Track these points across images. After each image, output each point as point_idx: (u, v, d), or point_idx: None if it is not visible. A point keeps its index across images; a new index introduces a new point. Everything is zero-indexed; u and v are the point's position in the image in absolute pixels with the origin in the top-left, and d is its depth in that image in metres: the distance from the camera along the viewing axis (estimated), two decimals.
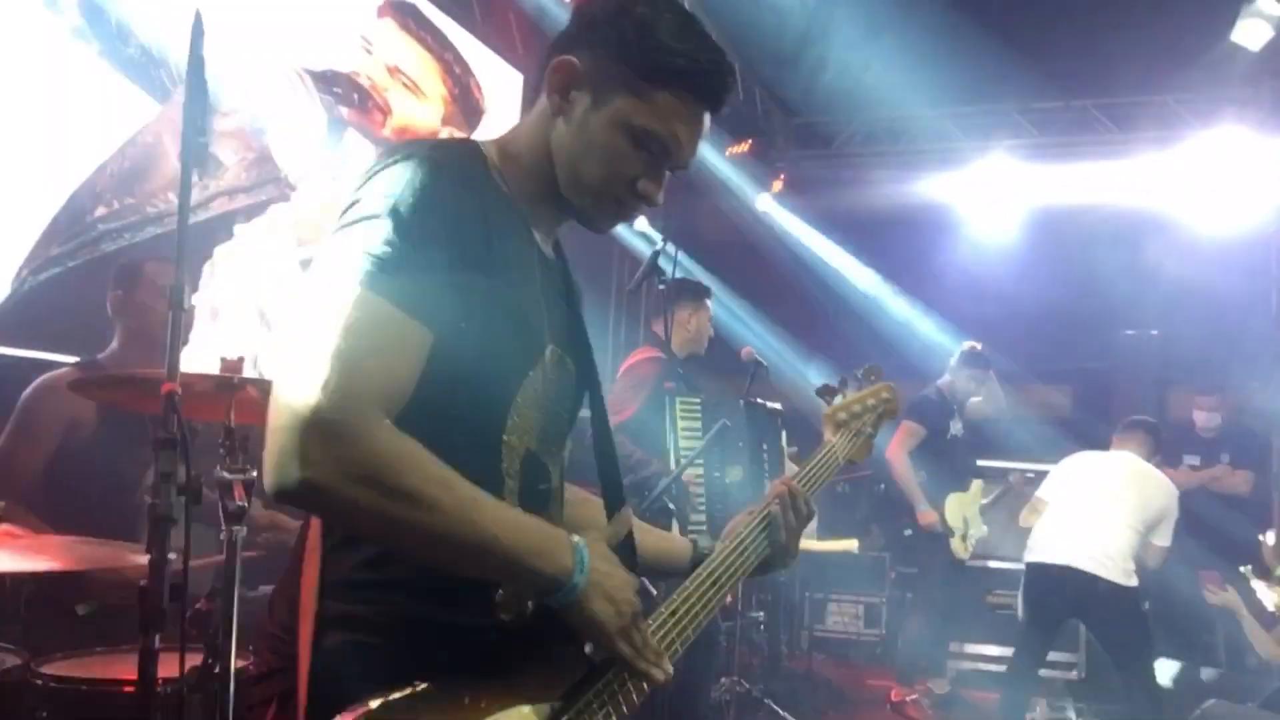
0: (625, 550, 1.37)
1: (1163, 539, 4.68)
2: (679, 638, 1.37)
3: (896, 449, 5.70)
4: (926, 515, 5.65)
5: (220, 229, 3.98)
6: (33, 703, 2.11)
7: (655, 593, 1.40)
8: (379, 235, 1.15)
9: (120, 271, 3.12)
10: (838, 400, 1.87)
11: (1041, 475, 6.81)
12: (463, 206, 1.21)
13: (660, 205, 1.40)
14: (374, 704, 1.09)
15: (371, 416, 1.09)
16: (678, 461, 3.76)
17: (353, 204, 1.20)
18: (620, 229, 7.70)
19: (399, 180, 1.19)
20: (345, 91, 4.67)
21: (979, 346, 5.98)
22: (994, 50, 6.78)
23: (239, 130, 4.10)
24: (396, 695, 1.11)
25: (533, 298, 1.31)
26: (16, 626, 2.70)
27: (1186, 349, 7.20)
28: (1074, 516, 4.73)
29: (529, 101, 1.42)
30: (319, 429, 1.06)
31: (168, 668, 1.81)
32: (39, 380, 2.94)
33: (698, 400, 4.05)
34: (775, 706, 5.14)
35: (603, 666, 1.28)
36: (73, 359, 3.13)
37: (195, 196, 3.70)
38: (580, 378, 1.43)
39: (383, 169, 1.22)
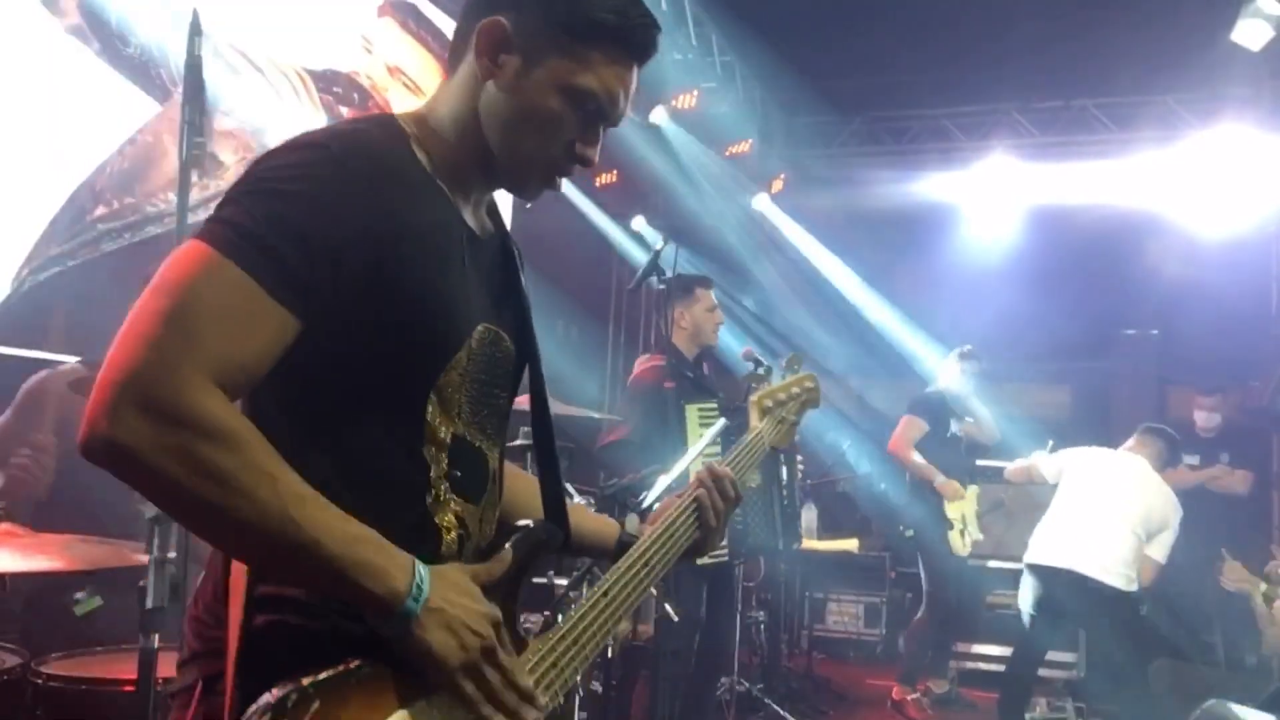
0: (511, 584, 1.29)
1: (1158, 553, 4.65)
2: (611, 618, 1.37)
3: (900, 442, 5.69)
4: (947, 486, 5.61)
5: None
6: (33, 703, 2.11)
7: (531, 629, 1.36)
8: (257, 211, 1.10)
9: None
10: (763, 388, 1.93)
11: (1039, 485, 6.82)
12: (365, 193, 1.16)
13: (594, 165, 1.36)
14: (305, 680, 1.06)
15: (198, 385, 1.02)
16: (693, 464, 3.75)
17: (244, 177, 1.16)
18: (620, 232, 7.74)
19: (295, 161, 1.15)
20: (345, 91, 4.67)
21: (969, 348, 5.98)
22: (994, 50, 6.79)
23: (239, 130, 4.10)
24: (328, 673, 1.08)
25: (457, 279, 1.25)
26: (16, 626, 2.71)
27: (1186, 349, 7.20)
28: (1078, 519, 4.68)
29: (450, 66, 1.35)
30: (137, 388, 1.00)
31: (167, 668, 1.81)
32: (41, 373, 2.95)
33: (714, 405, 4.03)
34: (775, 706, 5.14)
35: (554, 632, 1.28)
36: (73, 358, 3.13)
37: (195, 196, 3.69)
38: (519, 354, 1.39)
39: (285, 149, 1.18)
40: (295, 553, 1.05)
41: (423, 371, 1.23)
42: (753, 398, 1.90)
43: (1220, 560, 4.30)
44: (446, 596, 1.13)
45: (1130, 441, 4.94)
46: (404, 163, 1.25)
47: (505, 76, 1.28)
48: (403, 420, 1.23)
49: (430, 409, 1.24)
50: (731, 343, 5.84)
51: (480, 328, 1.28)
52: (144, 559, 1.79)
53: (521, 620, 1.31)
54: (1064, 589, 4.59)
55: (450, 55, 1.35)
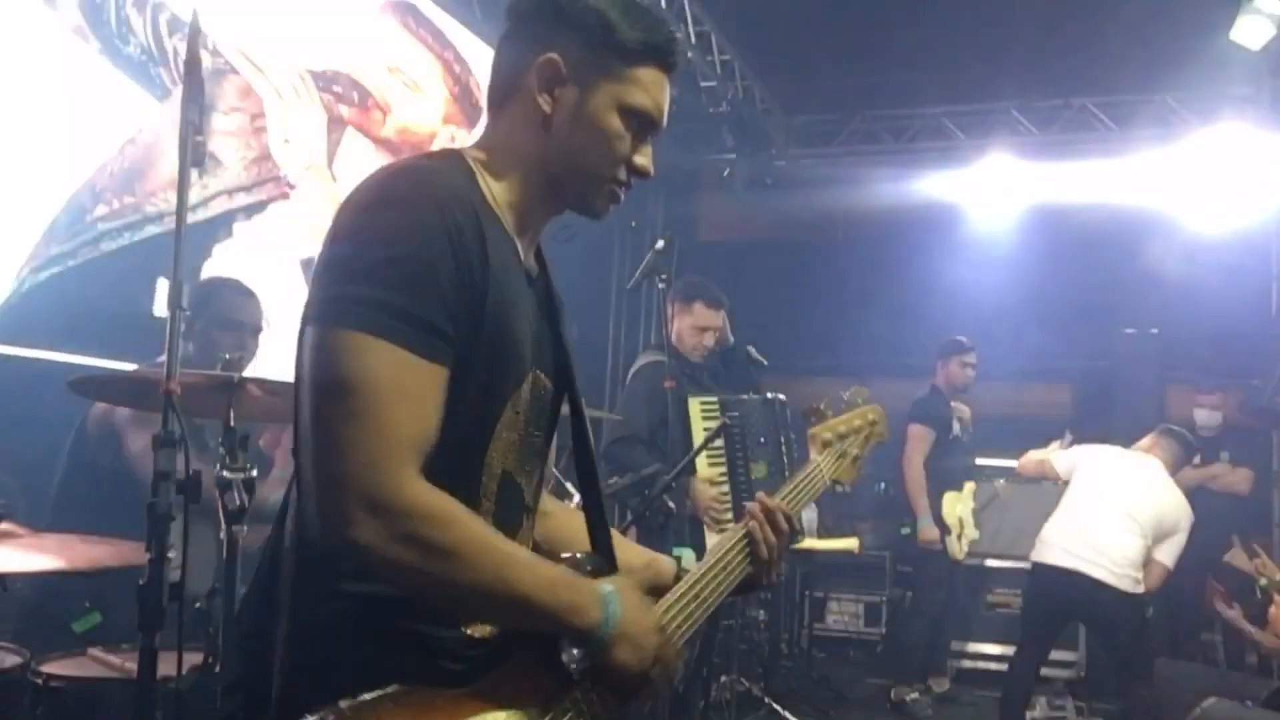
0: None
1: (1166, 557, 4.61)
2: None
3: (912, 456, 5.67)
4: (928, 530, 5.62)
5: (220, 228, 3.98)
6: (32, 703, 2.11)
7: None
8: (387, 281, 1.14)
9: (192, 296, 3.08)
10: (823, 421, 1.89)
11: (1036, 480, 6.81)
12: (455, 236, 1.19)
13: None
14: (344, 704, 1.09)
15: (407, 474, 1.13)
16: (695, 460, 3.76)
17: (342, 248, 1.18)
18: (621, 232, 7.73)
19: (396, 219, 1.18)
20: (345, 91, 4.67)
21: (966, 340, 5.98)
22: (993, 49, 6.78)
23: (239, 129, 4.10)
24: (367, 696, 1.11)
25: (520, 321, 1.30)
26: (16, 626, 2.70)
27: (1186, 348, 7.19)
28: (1087, 520, 4.64)
29: (495, 106, 1.40)
30: (360, 493, 1.10)
31: (167, 667, 1.81)
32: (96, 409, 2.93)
33: (715, 400, 4.05)
34: (775, 706, 5.14)
35: (580, 675, 1.29)
36: (73, 358, 3.12)
37: (195, 195, 3.71)
38: (557, 395, 1.43)
39: (368, 202, 1.21)
40: (512, 606, 1.20)
41: (493, 410, 1.29)
42: (811, 431, 1.88)
43: (1230, 547, 4.29)
44: (630, 617, 1.28)
45: (1145, 441, 4.90)
46: (482, 202, 1.30)
47: (565, 108, 1.35)
48: (470, 457, 1.28)
49: (491, 446, 1.30)
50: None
51: (532, 371, 1.34)
52: (144, 559, 1.79)
53: None
54: (1071, 590, 4.56)
55: (494, 95, 1.40)
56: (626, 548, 1.54)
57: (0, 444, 3.10)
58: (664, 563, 1.59)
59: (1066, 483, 4.93)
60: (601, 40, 1.34)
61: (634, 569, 1.51)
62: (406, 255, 1.15)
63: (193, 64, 1.91)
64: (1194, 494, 5.95)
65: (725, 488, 3.98)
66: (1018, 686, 4.89)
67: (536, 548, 1.44)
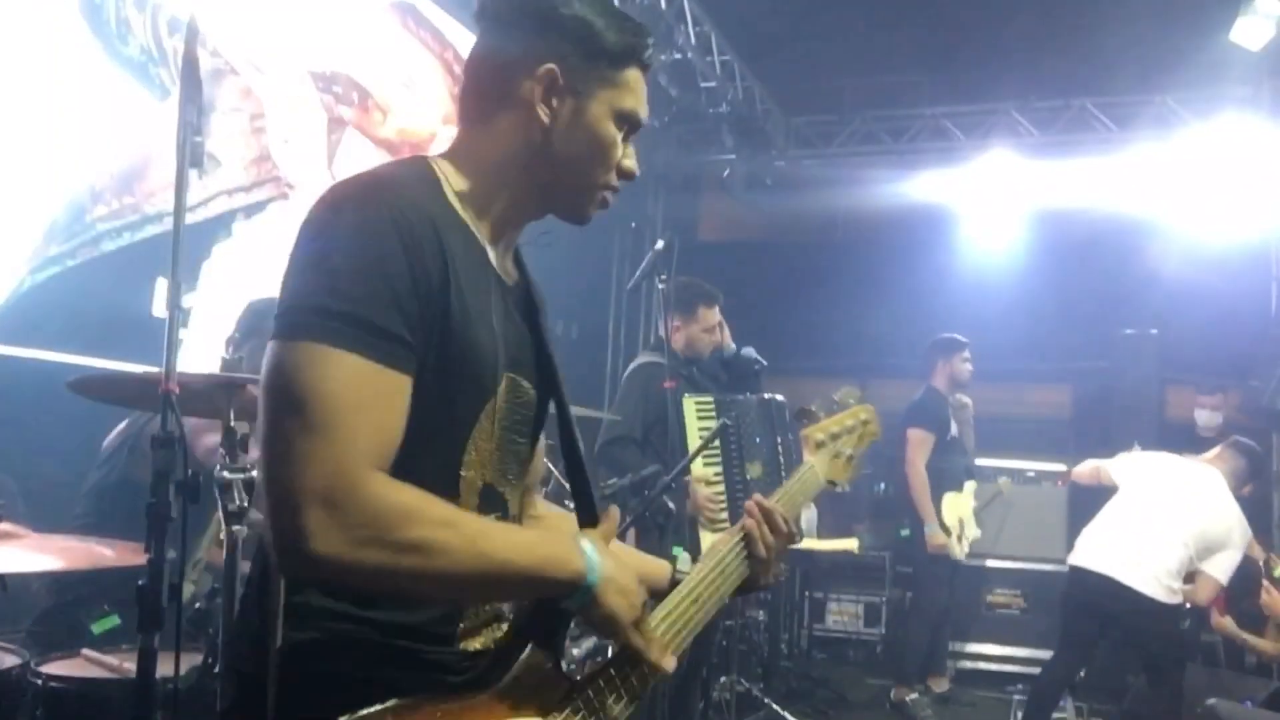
0: None
1: (1217, 570, 4.37)
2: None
3: (915, 461, 5.63)
4: (935, 536, 5.58)
5: (220, 227, 3.98)
6: (33, 703, 2.11)
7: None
8: (342, 288, 1.12)
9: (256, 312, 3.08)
10: (815, 423, 1.90)
11: (1041, 474, 6.81)
12: (410, 245, 1.18)
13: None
14: (343, 719, 1.09)
15: (364, 477, 1.09)
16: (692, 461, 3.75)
17: (301, 260, 1.18)
18: (621, 232, 7.73)
19: (352, 226, 1.17)
20: (345, 91, 4.66)
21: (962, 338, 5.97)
22: (993, 49, 6.79)
23: (239, 130, 4.10)
24: (365, 712, 1.11)
25: (488, 329, 1.28)
26: (16, 626, 2.70)
27: (1186, 349, 7.19)
28: (1125, 525, 4.51)
29: (476, 115, 1.38)
30: (317, 502, 1.06)
31: (167, 667, 1.81)
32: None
33: (710, 399, 4.04)
34: (775, 706, 5.14)
35: (582, 682, 1.29)
36: (73, 358, 3.12)
37: (195, 195, 3.71)
38: (541, 399, 1.41)
39: (323, 215, 1.20)
40: (494, 578, 1.18)
41: (464, 420, 1.27)
42: (804, 432, 1.87)
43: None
44: (611, 565, 1.26)
45: (1212, 453, 4.76)
46: (445, 210, 1.29)
47: (564, 117, 1.34)
48: (444, 468, 1.27)
49: (467, 459, 1.28)
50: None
51: (506, 377, 1.32)
52: (144, 559, 1.79)
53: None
54: (1103, 595, 4.42)
55: (476, 106, 1.38)
56: (619, 550, 1.53)
57: (0, 444, 3.10)
58: (658, 565, 1.59)
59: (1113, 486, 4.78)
60: (591, 48, 1.34)
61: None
62: (361, 265, 1.14)
63: (190, 65, 1.91)
64: None
65: (720, 488, 3.98)
66: (1049, 690, 4.75)
67: None
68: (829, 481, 1.84)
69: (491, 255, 1.35)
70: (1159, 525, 4.40)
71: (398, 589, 1.18)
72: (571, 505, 1.50)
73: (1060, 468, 6.65)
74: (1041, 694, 4.74)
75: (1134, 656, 4.73)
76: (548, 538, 1.27)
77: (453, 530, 1.14)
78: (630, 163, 1.41)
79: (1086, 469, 5.06)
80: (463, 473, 1.28)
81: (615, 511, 1.36)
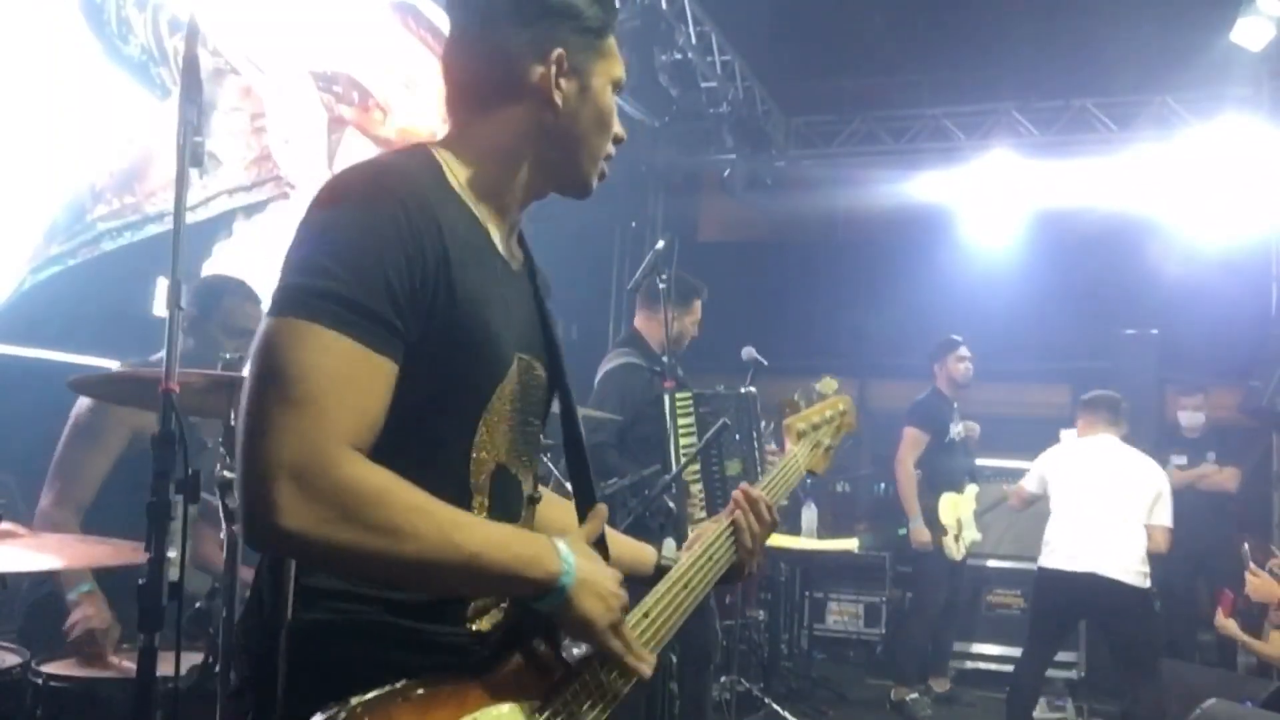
0: (600, 546, 1.38)
1: (1163, 518, 4.69)
2: (654, 639, 1.38)
3: (903, 458, 5.70)
4: (920, 533, 5.63)
5: (220, 227, 3.99)
6: (33, 703, 2.11)
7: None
8: (335, 270, 1.13)
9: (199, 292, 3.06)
10: (797, 413, 1.92)
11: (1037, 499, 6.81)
12: (408, 231, 1.18)
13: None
14: (354, 701, 1.10)
15: (339, 455, 1.09)
16: (678, 460, 3.74)
17: (299, 242, 1.19)
18: (622, 232, 7.74)
19: (351, 212, 1.18)
20: (345, 91, 4.67)
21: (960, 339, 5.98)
22: (993, 49, 6.79)
23: (239, 129, 4.10)
24: (376, 693, 1.11)
25: (497, 310, 1.29)
26: (16, 626, 2.70)
27: (1186, 349, 7.19)
28: (1087, 520, 4.69)
29: (474, 103, 1.38)
30: (288, 476, 1.06)
31: (167, 667, 1.81)
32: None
33: (689, 395, 4.04)
34: (775, 706, 5.14)
35: (578, 665, 1.30)
36: (72, 358, 3.12)
37: (195, 195, 3.71)
38: (550, 380, 1.43)
39: (324, 200, 1.21)
40: (463, 569, 1.15)
41: (474, 402, 1.28)
42: (786, 422, 1.90)
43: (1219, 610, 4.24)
44: (589, 567, 1.25)
45: (1082, 423, 4.99)
46: (448, 196, 1.29)
47: (573, 96, 1.37)
48: (455, 450, 1.27)
49: (479, 440, 1.28)
50: (734, 342, 5.83)
51: (518, 358, 1.33)
52: (144, 558, 1.79)
53: None
54: (1081, 591, 4.59)
55: (473, 95, 1.39)
56: (615, 538, 1.54)
57: (0, 444, 3.10)
58: (644, 550, 1.62)
59: (1044, 494, 5.01)
60: (581, 25, 1.37)
61: (618, 555, 1.51)
62: (358, 248, 1.15)
63: (191, 64, 1.91)
64: (1182, 495, 5.96)
65: (699, 485, 3.97)
66: (1025, 688, 4.91)
67: None
68: (808, 471, 1.87)
69: (497, 238, 1.36)
70: (1115, 514, 4.63)
71: (364, 572, 1.17)
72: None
73: None
74: (1020, 692, 4.88)
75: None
76: (524, 536, 1.24)
77: (424, 516, 1.12)
78: (619, 129, 1.45)
79: (1017, 499, 5.27)
80: (474, 454, 1.28)
81: (603, 510, 1.36)
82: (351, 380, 1.12)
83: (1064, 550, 4.70)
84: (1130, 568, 4.54)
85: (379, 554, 1.09)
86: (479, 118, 1.38)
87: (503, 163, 1.36)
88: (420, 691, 1.15)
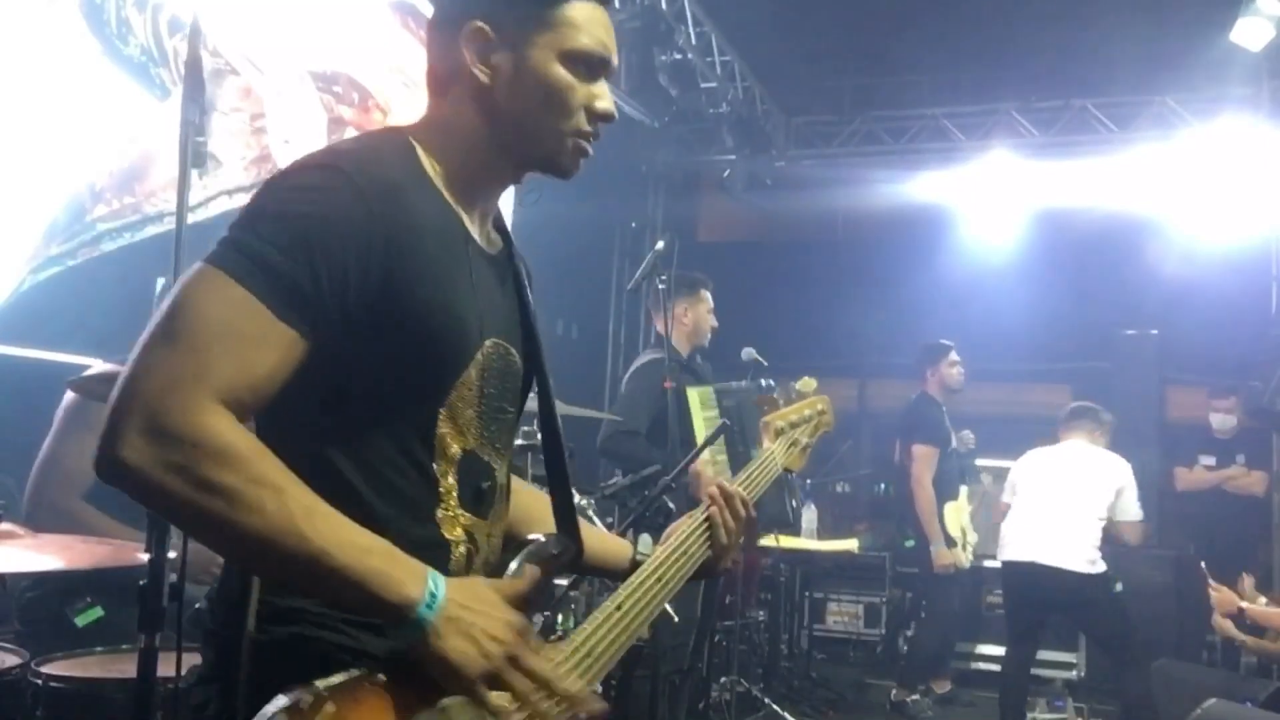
0: (575, 540, 1.37)
1: (1130, 514, 4.83)
2: (624, 633, 1.37)
3: (922, 479, 5.60)
4: (943, 556, 5.56)
5: (220, 228, 3.97)
6: (32, 703, 2.10)
7: (558, 633, 1.38)
8: (265, 232, 1.13)
9: None
10: (775, 410, 1.93)
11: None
12: (369, 214, 1.17)
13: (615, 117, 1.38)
14: (319, 683, 1.08)
15: (199, 404, 1.05)
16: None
17: (254, 199, 1.19)
18: (622, 232, 7.74)
19: (303, 182, 1.18)
20: (345, 91, 4.67)
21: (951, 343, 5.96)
22: (993, 49, 6.78)
23: (239, 129, 4.10)
24: (341, 677, 1.10)
25: (465, 293, 1.27)
26: (8, 625, 2.70)
27: (1186, 349, 7.20)
28: (1035, 512, 4.91)
29: (435, 88, 1.36)
30: (143, 410, 1.03)
31: (167, 667, 1.81)
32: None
33: (711, 388, 4.11)
34: (775, 707, 5.14)
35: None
36: (73, 358, 3.12)
37: (195, 195, 3.70)
38: (526, 367, 1.41)
39: (295, 169, 1.21)
40: (305, 564, 1.06)
41: (434, 387, 1.25)
42: (764, 419, 1.91)
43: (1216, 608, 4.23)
44: (465, 604, 1.12)
45: (1062, 431, 5.14)
46: (413, 177, 1.27)
47: (504, 74, 1.30)
48: (414, 436, 1.24)
49: (441, 425, 1.26)
50: (733, 342, 5.84)
51: (489, 342, 1.30)
52: (144, 559, 1.79)
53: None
54: (1033, 580, 4.80)
55: (432, 78, 1.36)
56: (590, 533, 1.53)
57: (0, 444, 3.10)
58: (619, 544, 1.62)
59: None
60: None
61: (593, 549, 1.51)
62: (293, 216, 1.14)
63: (193, 65, 1.91)
64: (1210, 496, 5.96)
65: (727, 474, 4.01)
66: (1012, 685, 5.03)
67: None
68: (785, 469, 1.87)
69: (468, 223, 1.33)
70: (1063, 506, 4.82)
71: (197, 533, 1.11)
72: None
73: None
74: (1009, 690, 5.01)
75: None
76: (393, 553, 1.11)
77: (273, 493, 1.05)
78: (604, 104, 1.34)
79: (996, 515, 5.42)
80: (438, 439, 1.26)
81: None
82: (242, 336, 1.09)
83: (1012, 543, 4.95)
84: (1073, 554, 4.68)
85: (211, 516, 1.04)
86: (437, 99, 1.36)
87: (462, 146, 1.33)
88: (390, 677, 1.12)
